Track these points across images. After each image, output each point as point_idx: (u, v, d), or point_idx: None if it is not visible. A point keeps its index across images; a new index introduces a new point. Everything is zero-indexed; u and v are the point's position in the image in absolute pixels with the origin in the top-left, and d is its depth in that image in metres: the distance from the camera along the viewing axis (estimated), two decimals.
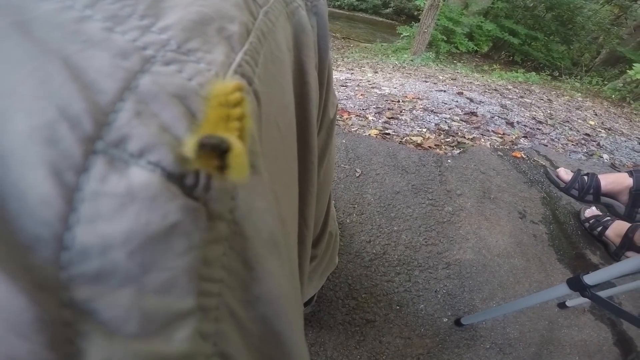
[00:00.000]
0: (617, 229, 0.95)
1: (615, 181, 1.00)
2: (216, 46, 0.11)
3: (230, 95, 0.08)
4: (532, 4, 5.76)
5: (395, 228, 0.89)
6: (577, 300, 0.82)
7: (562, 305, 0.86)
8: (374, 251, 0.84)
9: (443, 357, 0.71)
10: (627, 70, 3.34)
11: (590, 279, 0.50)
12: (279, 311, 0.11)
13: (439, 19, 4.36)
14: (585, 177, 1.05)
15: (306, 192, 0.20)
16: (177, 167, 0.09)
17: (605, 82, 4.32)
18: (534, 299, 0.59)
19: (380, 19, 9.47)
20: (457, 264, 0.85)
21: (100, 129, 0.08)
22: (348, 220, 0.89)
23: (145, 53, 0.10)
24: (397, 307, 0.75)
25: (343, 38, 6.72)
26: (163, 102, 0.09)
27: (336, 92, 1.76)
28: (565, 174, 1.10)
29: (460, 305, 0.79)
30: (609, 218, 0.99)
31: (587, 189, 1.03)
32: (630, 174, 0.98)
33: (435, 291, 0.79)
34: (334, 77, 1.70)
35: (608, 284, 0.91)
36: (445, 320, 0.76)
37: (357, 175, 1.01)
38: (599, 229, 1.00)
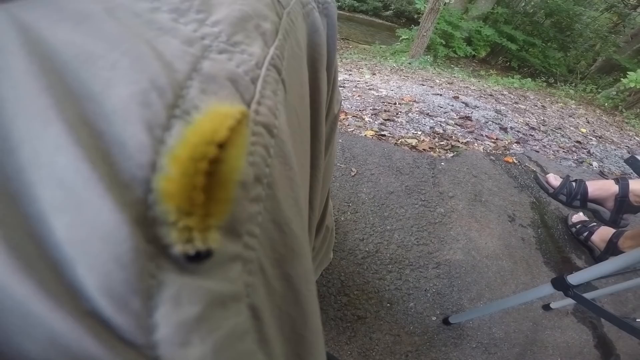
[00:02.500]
0: (602, 234, 0.98)
1: (602, 188, 1.03)
2: (255, 40, 0.14)
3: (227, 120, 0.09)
4: (532, 10, 5.81)
5: (388, 227, 0.91)
6: (561, 303, 0.85)
7: (546, 307, 0.88)
8: (367, 249, 0.85)
9: (431, 355, 0.73)
10: (621, 79, 3.39)
11: (573, 279, 0.52)
12: (299, 271, 0.13)
13: (438, 23, 4.37)
14: (574, 183, 1.08)
15: (314, 178, 0.22)
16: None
17: (600, 90, 4.38)
18: (520, 299, 0.61)
19: (380, 21, 9.47)
20: (447, 264, 0.87)
21: (177, 99, 0.10)
22: (342, 218, 0.90)
23: (204, 42, 0.12)
24: (388, 305, 0.77)
25: (342, 39, 6.72)
26: (220, 83, 0.12)
27: None
28: (554, 180, 1.13)
29: (448, 304, 0.81)
30: (595, 223, 1.02)
31: (574, 194, 1.05)
32: (617, 181, 1.01)
33: (425, 290, 0.81)
34: None
35: (591, 287, 0.94)
36: (434, 318, 0.78)
37: (353, 174, 1.03)
38: (585, 234, 1.03)
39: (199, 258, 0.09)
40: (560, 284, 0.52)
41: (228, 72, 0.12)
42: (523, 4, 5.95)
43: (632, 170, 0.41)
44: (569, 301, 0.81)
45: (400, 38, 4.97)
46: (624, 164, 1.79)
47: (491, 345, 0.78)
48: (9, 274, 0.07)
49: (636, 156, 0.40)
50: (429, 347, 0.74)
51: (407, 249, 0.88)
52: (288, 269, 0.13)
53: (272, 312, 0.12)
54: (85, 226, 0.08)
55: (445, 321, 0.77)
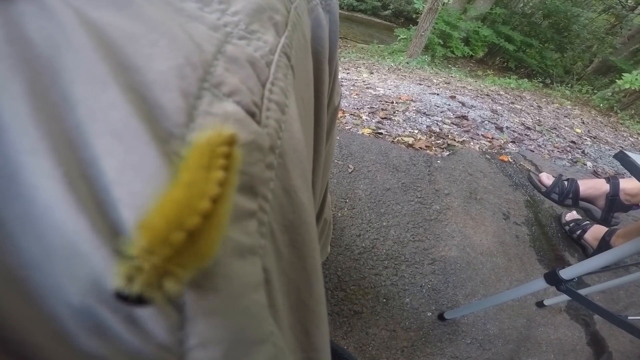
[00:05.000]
0: (595, 232, 0.99)
1: (593, 187, 1.05)
2: (268, 30, 0.15)
3: (220, 146, 0.10)
4: (530, 11, 5.84)
5: (385, 223, 0.92)
6: (555, 300, 0.86)
7: (540, 304, 0.89)
8: (364, 245, 0.86)
9: (426, 351, 0.74)
10: (617, 80, 3.43)
11: (565, 273, 0.53)
12: (306, 238, 0.14)
13: (436, 23, 4.39)
14: (566, 182, 1.09)
15: (316, 161, 0.24)
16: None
17: (595, 91, 4.42)
18: (514, 293, 0.62)
19: (379, 21, 9.48)
20: (442, 261, 0.88)
21: (206, 75, 0.12)
22: (339, 214, 0.91)
23: (226, 29, 0.14)
24: (384, 300, 0.77)
25: (340, 38, 6.71)
26: (241, 65, 0.13)
27: None
28: (547, 179, 1.15)
29: (443, 300, 0.82)
30: (587, 222, 1.04)
31: (566, 193, 1.07)
32: (608, 180, 1.02)
33: (421, 286, 0.82)
34: None
35: (583, 285, 0.95)
36: (429, 314, 0.79)
37: (350, 171, 1.04)
38: (578, 232, 1.04)
39: (129, 300, 0.08)
40: (552, 279, 0.53)
41: (247, 56, 0.14)
42: (521, 4, 5.98)
43: (622, 167, 0.42)
44: (563, 298, 0.82)
45: (399, 38, 4.98)
46: (614, 159, 1.81)
47: (485, 341, 0.79)
48: (66, 209, 0.08)
49: (625, 151, 0.41)
50: (424, 342, 0.75)
51: (403, 245, 0.89)
52: (296, 236, 0.14)
53: (280, 279, 0.13)
54: (132, 169, 0.09)
55: (441, 317, 0.78)
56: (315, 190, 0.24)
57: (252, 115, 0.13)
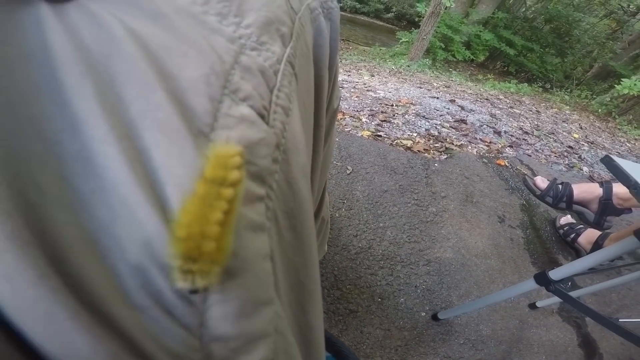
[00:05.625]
0: (588, 236, 1.01)
1: (586, 191, 1.06)
2: (276, 41, 0.17)
3: (230, 158, 0.12)
4: (532, 16, 5.86)
5: (381, 224, 0.94)
6: (547, 301, 0.87)
7: (532, 306, 0.90)
8: (360, 245, 0.88)
9: (419, 350, 0.75)
10: (615, 85, 3.44)
11: (554, 274, 0.54)
12: (305, 224, 0.17)
13: (439, 27, 4.40)
14: (560, 186, 1.11)
15: (314, 161, 0.26)
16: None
17: (594, 96, 4.43)
18: (505, 294, 0.64)
19: (381, 23, 9.49)
20: (437, 262, 0.90)
21: (226, 82, 0.14)
22: (337, 215, 0.93)
23: (241, 41, 0.16)
24: (379, 300, 0.79)
25: (342, 40, 6.73)
26: (253, 73, 0.15)
27: None
28: (542, 182, 1.17)
29: (437, 300, 0.83)
30: (582, 226, 1.05)
31: (560, 196, 1.09)
32: (601, 184, 1.04)
33: (416, 286, 0.84)
34: None
35: (574, 287, 0.97)
36: (423, 314, 0.80)
37: (348, 172, 1.05)
38: (572, 235, 1.06)
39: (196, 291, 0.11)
40: (542, 279, 0.55)
41: (258, 65, 0.16)
42: (524, 9, 6.00)
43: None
44: (555, 300, 0.84)
45: (400, 41, 4.99)
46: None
47: (478, 342, 0.81)
48: (128, 185, 0.11)
49: (610, 156, 0.43)
50: (418, 342, 0.76)
51: (399, 246, 0.90)
52: (295, 222, 0.16)
53: (282, 259, 0.15)
54: (175, 157, 0.12)
55: (434, 317, 0.79)
56: (313, 186, 0.26)
57: (262, 117, 0.15)
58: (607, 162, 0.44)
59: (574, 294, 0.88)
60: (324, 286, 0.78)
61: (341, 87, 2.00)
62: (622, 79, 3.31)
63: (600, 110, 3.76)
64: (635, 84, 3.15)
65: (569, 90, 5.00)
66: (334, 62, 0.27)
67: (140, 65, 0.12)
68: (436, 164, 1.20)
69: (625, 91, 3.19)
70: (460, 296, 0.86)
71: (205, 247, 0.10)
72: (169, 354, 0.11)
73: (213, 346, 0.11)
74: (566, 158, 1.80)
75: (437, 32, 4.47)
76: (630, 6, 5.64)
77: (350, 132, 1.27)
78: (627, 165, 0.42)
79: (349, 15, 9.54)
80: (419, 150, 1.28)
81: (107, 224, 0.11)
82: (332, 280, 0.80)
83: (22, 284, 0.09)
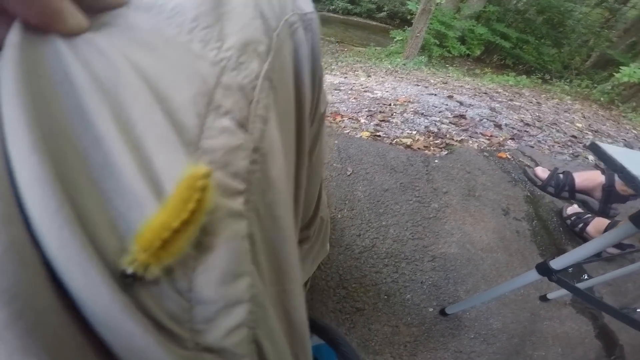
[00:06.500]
0: (597, 225, 0.99)
1: (588, 178, 1.05)
2: (254, 59, 0.19)
3: (197, 180, 0.14)
4: (523, 8, 5.86)
5: (384, 223, 0.94)
6: (558, 293, 0.86)
7: (543, 298, 0.89)
8: (364, 244, 0.88)
9: (429, 345, 0.75)
10: (614, 73, 3.42)
11: (556, 263, 0.54)
12: (282, 213, 0.19)
13: (431, 23, 4.42)
14: (561, 175, 1.10)
15: (299, 160, 0.28)
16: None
17: (595, 85, 4.40)
18: (509, 286, 0.64)
19: (375, 23, 9.53)
20: (442, 257, 0.90)
21: (210, 100, 0.17)
22: (339, 216, 0.93)
23: (222, 63, 0.18)
24: (385, 297, 0.79)
25: (337, 42, 6.77)
26: (233, 91, 0.18)
27: (330, 96, 1.81)
28: (542, 172, 1.15)
29: (445, 296, 0.83)
30: (589, 215, 1.04)
31: (562, 186, 1.07)
32: (603, 171, 1.03)
33: (421, 282, 0.84)
34: (328, 81, 1.75)
35: (580, 273, 0.95)
36: (430, 310, 0.80)
37: (349, 174, 1.06)
38: (580, 225, 1.05)
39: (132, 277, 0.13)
40: (544, 269, 0.55)
41: (238, 83, 0.18)
42: (515, 1, 6.01)
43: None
44: (565, 291, 0.83)
45: (395, 39, 5.02)
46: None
47: (489, 335, 0.80)
48: (137, 181, 0.14)
49: (596, 142, 0.43)
50: (427, 337, 0.76)
51: (402, 244, 0.90)
52: (275, 212, 0.19)
53: (263, 243, 0.18)
54: (170, 162, 0.15)
55: (442, 312, 0.79)
56: (299, 183, 0.28)
57: (241, 126, 0.17)
58: (594, 148, 0.45)
59: (583, 284, 0.87)
60: (329, 286, 0.78)
61: (339, 90, 2.01)
62: (621, 67, 3.30)
63: (602, 99, 3.73)
64: (635, 72, 3.14)
65: (568, 80, 4.97)
66: (317, 69, 0.29)
67: (142, 92, 0.15)
68: (436, 160, 1.20)
69: (625, 79, 3.18)
70: (468, 291, 0.86)
71: (154, 244, 0.13)
72: (166, 313, 0.13)
73: (199, 308, 0.14)
74: (570, 147, 1.79)
75: (430, 29, 4.49)
76: None
77: (349, 133, 1.28)
78: (614, 150, 0.42)
79: (341, 17, 9.60)
80: (419, 148, 1.28)
81: (123, 212, 0.14)
82: (337, 279, 0.80)
83: (71, 250, 0.12)
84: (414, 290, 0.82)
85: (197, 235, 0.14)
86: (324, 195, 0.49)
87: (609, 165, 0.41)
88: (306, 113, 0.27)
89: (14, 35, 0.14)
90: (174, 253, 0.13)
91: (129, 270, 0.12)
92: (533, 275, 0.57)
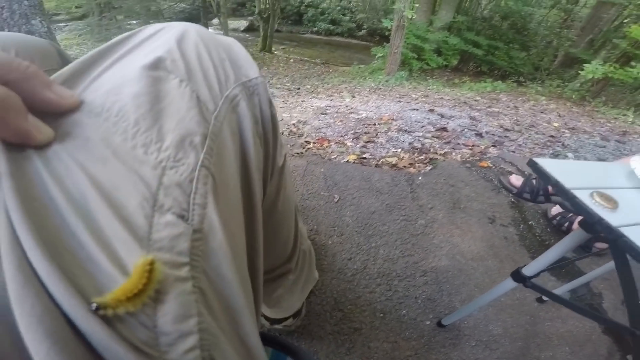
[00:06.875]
0: None
1: None
2: (190, 153, 0.22)
3: (144, 267, 0.17)
4: (488, 15, 6.17)
5: (373, 244, 0.98)
6: None
7: (540, 300, 0.91)
8: (355, 267, 0.92)
9: (431, 357, 0.77)
10: (579, 72, 3.54)
11: (527, 270, 0.58)
12: (228, 270, 0.23)
13: (407, 38, 4.57)
14: (534, 181, 1.13)
15: (253, 215, 0.32)
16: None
17: (566, 84, 4.58)
18: (489, 296, 0.67)
19: (356, 42, 9.88)
20: (433, 271, 0.93)
21: (155, 202, 0.20)
22: (329, 242, 0.97)
23: (162, 165, 0.21)
24: (381, 315, 0.82)
25: (323, 63, 6.99)
26: (172, 189, 0.21)
27: (317, 121, 1.89)
28: (516, 180, 1.19)
29: (440, 308, 0.86)
30: (572, 213, 1.07)
31: (537, 191, 1.11)
32: None
33: (415, 297, 0.87)
34: (315, 105, 1.82)
35: (575, 276, 0.98)
36: (428, 323, 0.83)
37: (336, 200, 1.11)
38: (566, 224, 1.08)
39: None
40: (518, 277, 0.59)
41: (176, 181, 0.21)
42: (480, 9, 6.32)
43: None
44: (559, 291, 0.83)
45: (377, 56, 5.18)
46: (599, 150, 1.88)
47: (491, 341, 0.81)
48: (109, 265, 0.17)
49: (534, 159, 0.48)
50: (427, 350, 0.78)
51: (393, 262, 0.94)
52: (220, 270, 0.23)
53: (214, 293, 0.22)
54: (129, 252, 0.18)
55: (440, 324, 0.81)
56: (255, 234, 0.32)
57: (181, 217, 0.21)
58: (532, 165, 0.48)
59: (571, 284, 0.88)
60: (325, 309, 0.81)
61: (325, 113, 2.10)
62: (584, 65, 3.44)
63: (574, 96, 3.87)
64: (597, 68, 3.27)
65: (540, 81, 5.15)
66: (269, 129, 0.33)
67: (102, 204, 0.19)
68: (420, 177, 1.25)
69: (590, 75, 3.30)
70: (463, 300, 0.88)
71: (121, 298, 0.17)
72: (139, 340, 0.17)
73: (162, 337, 0.18)
74: (550, 148, 1.85)
75: (407, 44, 4.64)
76: None
77: (337, 158, 1.34)
78: (551, 165, 0.47)
79: (324, 38, 9.94)
80: (404, 166, 1.34)
81: (102, 281, 0.17)
82: (333, 303, 0.83)
83: (70, 301, 0.16)
84: (409, 306, 0.85)
85: (153, 294, 0.18)
86: (303, 229, 0.54)
87: (544, 180, 0.46)
88: (254, 174, 0.30)
89: (2, 164, 0.18)
90: (136, 305, 0.17)
91: (94, 305, 0.16)
92: (509, 283, 0.62)
